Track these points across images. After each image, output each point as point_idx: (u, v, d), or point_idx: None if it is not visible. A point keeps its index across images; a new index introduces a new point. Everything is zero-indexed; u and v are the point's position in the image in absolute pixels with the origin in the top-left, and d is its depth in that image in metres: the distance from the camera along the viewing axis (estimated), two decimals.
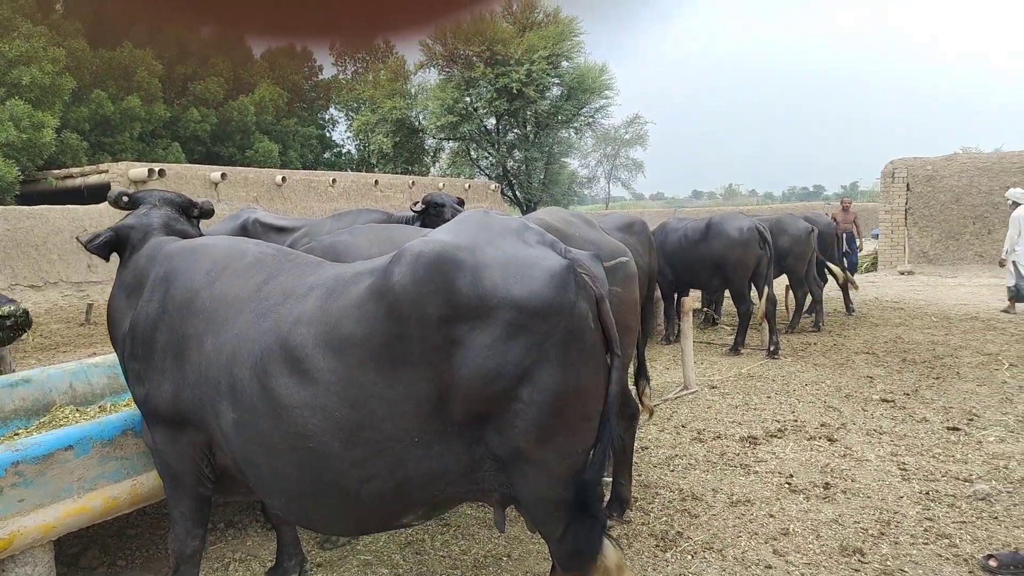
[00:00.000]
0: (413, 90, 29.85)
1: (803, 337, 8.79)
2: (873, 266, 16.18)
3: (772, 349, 7.59)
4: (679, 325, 9.02)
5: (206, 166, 17.34)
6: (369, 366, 2.26)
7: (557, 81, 27.52)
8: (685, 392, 6.34)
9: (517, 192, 29.24)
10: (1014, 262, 9.86)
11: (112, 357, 4.48)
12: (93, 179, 15.24)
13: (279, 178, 18.12)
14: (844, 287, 10.26)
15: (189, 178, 16.10)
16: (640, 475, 4.48)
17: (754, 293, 8.02)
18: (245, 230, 6.03)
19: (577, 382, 2.32)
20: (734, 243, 7.38)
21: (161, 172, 14.71)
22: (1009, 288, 10.02)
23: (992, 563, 3.25)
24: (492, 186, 26.30)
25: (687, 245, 7.87)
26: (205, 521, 2.85)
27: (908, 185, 15.00)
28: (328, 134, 34.00)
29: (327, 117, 33.72)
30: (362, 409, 2.24)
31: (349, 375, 2.24)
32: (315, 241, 4.08)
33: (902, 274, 15.05)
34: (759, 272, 7.53)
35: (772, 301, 7.60)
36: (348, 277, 2.47)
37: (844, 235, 12.06)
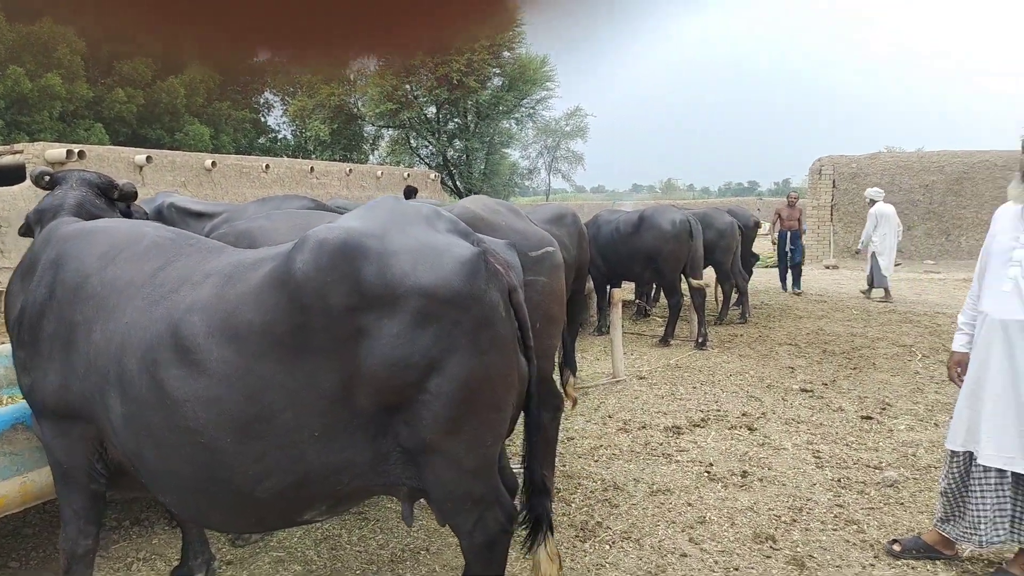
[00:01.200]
0: (352, 76, 29.27)
1: (731, 329, 8.98)
2: None
3: (700, 340, 7.73)
4: (611, 316, 9.16)
5: (130, 148, 16.55)
6: (268, 357, 2.17)
7: (498, 71, 27.40)
8: (614, 382, 6.40)
9: (457, 182, 29.03)
10: (873, 253, 11.35)
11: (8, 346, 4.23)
12: (7, 159, 14.39)
13: (209, 162, 17.47)
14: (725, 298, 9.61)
15: (112, 160, 15.36)
16: (564, 465, 4.48)
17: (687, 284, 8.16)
18: (160, 215, 5.76)
19: (487, 372, 2.28)
20: (666, 236, 7.46)
21: (81, 154, 13.94)
22: (868, 276, 11.58)
23: (896, 548, 3.36)
24: (432, 175, 25.98)
25: (619, 238, 7.93)
26: (98, 519, 2.70)
27: (834, 182, 15.51)
28: (263, 119, 33.11)
29: (262, 101, 32.84)
30: (259, 402, 2.14)
31: (245, 366, 2.14)
32: (228, 227, 3.91)
33: (827, 268, 15.58)
34: (690, 265, 7.64)
35: (701, 293, 7.73)
36: (248, 263, 2.37)
37: (788, 233, 12.01)
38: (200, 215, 5.68)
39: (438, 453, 2.30)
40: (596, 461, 4.57)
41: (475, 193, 30.35)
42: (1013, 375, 2.94)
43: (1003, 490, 2.99)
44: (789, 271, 12.39)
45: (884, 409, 5.60)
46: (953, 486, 3.19)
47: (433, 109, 28.42)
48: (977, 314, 3.14)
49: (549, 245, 3.64)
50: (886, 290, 11.23)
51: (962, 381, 3.20)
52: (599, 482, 4.20)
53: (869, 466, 4.45)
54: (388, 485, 2.44)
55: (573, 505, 3.90)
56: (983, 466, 3.02)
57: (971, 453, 3.08)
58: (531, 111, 30.16)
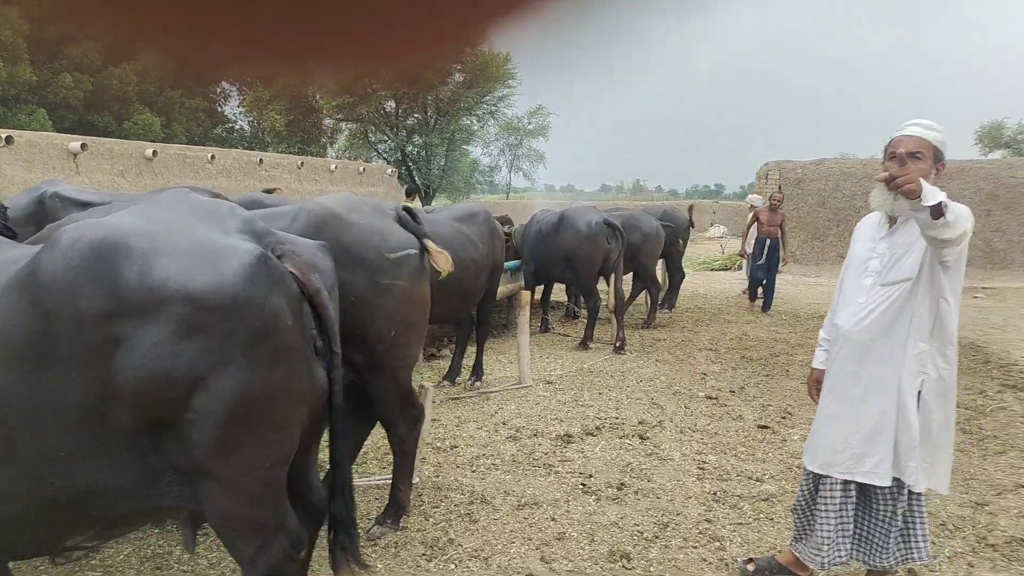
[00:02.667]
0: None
1: (656, 333, 8.90)
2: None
3: (618, 344, 7.62)
4: (544, 318, 9.03)
5: (64, 135, 16.06)
6: (5, 368, 1.96)
7: (459, 67, 27.16)
8: (518, 387, 6.25)
9: (416, 178, 28.75)
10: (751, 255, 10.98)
11: None
12: None
13: (149, 151, 16.98)
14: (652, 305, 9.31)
15: (44, 147, 14.83)
16: (438, 476, 4.32)
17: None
18: (42, 205, 5.47)
19: (265, 388, 2.10)
20: (582, 237, 7.33)
21: (9, 139, 13.48)
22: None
23: (750, 567, 3.25)
24: (388, 170, 25.70)
25: (542, 238, 7.79)
26: None
27: (780, 187, 15.56)
28: (219, 108, 32.44)
29: (218, 90, 32.16)
30: None
31: None
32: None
33: None
34: (608, 267, 7.52)
35: (620, 296, 7.62)
36: (8, 262, 2.15)
37: (768, 240, 10.13)
38: (86, 205, 5.40)
39: (210, 476, 2.12)
40: (473, 471, 4.41)
41: (435, 190, 30.15)
42: (861, 389, 2.84)
43: (847, 508, 2.90)
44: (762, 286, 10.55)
45: (784, 418, 5.53)
46: (803, 503, 3.10)
47: (392, 104, 28.13)
48: (834, 328, 3.04)
49: (411, 247, 3.45)
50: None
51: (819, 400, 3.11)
52: (467, 495, 4.04)
53: (751, 478, 4.35)
54: (164, 508, 2.25)
55: (431, 520, 3.73)
56: (828, 482, 2.93)
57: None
58: (492, 108, 30.05)
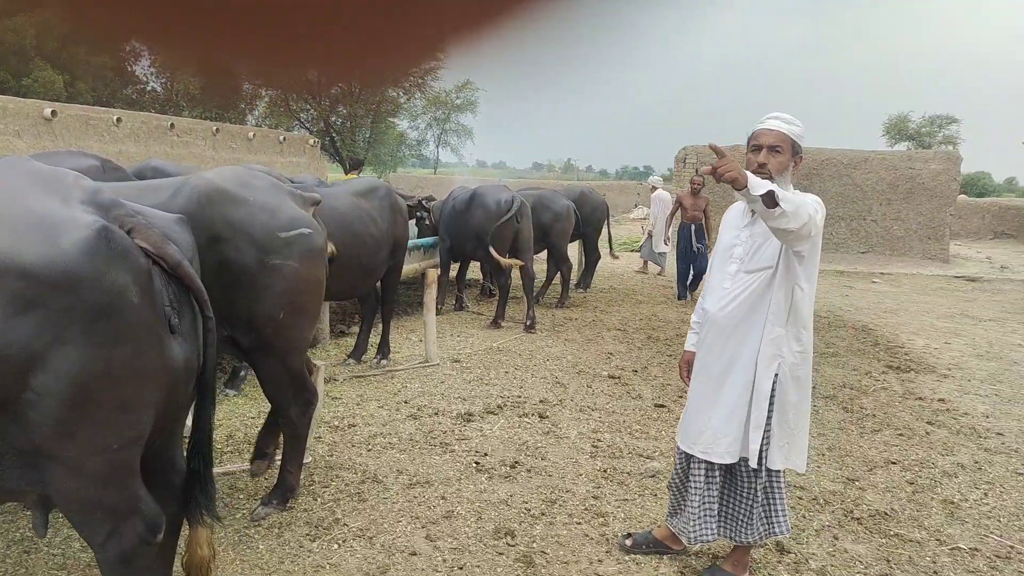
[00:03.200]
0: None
1: (568, 312, 9.02)
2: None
3: (528, 324, 7.69)
4: (456, 293, 9.01)
5: None
6: None
7: None
8: (424, 366, 6.23)
9: (340, 149, 28.08)
10: (649, 233, 12.74)
11: None
12: None
13: (48, 111, 15.90)
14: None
15: None
16: (332, 455, 4.27)
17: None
18: None
19: (106, 368, 2.00)
20: (491, 215, 7.33)
21: None
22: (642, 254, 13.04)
23: (628, 542, 3.35)
24: (311, 140, 24.94)
25: (455, 215, 7.75)
26: None
27: (697, 170, 15.93)
28: (129, 67, 30.71)
29: (128, 49, 30.41)
30: None
31: None
32: None
33: None
34: (517, 246, 7.56)
35: (530, 276, 7.67)
36: None
37: (692, 226, 9.88)
38: None
39: (54, 458, 2.03)
40: (369, 451, 4.38)
41: (361, 162, 29.54)
42: (721, 371, 2.95)
43: (712, 487, 3.01)
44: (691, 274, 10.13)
45: (681, 397, 5.69)
46: (678, 480, 3.20)
47: (315, 71, 27.28)
48: (703, 312, 3.13)
49: (305, 227, 3.34)
50: (661, 267, 12.92)
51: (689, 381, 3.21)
52: (359, 474, 4.01)
53: (642, 456, 4.48)
54: (7, 491, 2.14)
55: (319, 500, 3.69)
56: (695, 461, 3.04)
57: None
58: (419, 81, 29.49)
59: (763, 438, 2.85)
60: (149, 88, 30.96)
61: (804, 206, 2.50)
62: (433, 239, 8.37)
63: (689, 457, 3.08)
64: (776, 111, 2.91)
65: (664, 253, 12.75)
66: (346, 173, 18.13)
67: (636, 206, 29.03)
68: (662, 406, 5.44)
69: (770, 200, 2.41)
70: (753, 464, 2.86)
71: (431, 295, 6.34)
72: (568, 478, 4.10)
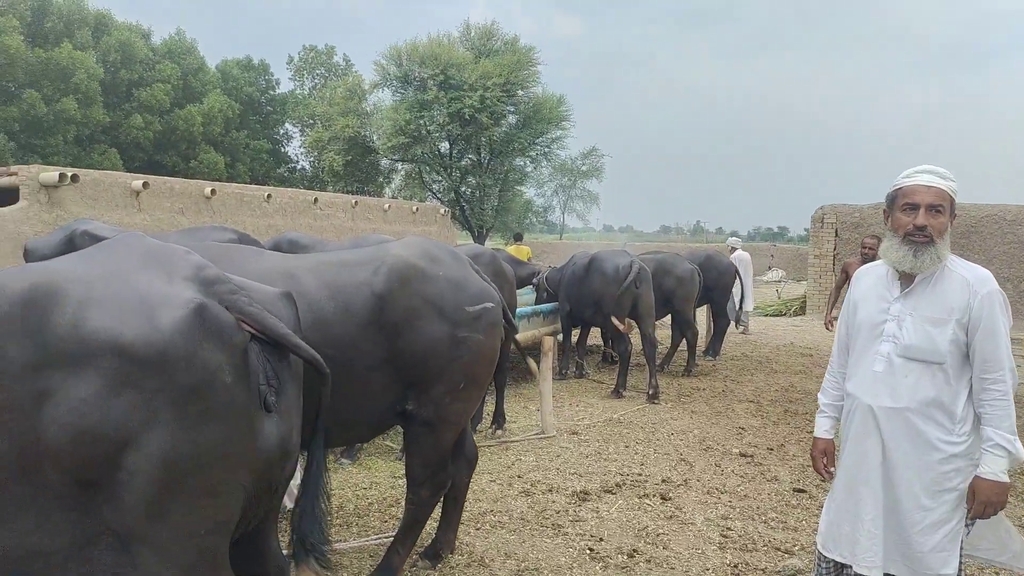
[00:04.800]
0: (368, 109, 29.56)
1: (696, 381, 8.51)
2: (801, 310, 16.11)
3: (651, 392, 7.29)
4: (577, 360, 8.75)
5: (127, 174, 16.71)
6: None
7: (512, 109, 27.42)
8: (540, 437, 5.99)
9: (469, 217, 28.96)
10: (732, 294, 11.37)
11: None
12: (3, 181, 14.57)
13: (208, 190, 17.50)
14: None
15: (107, 185, 15.45)
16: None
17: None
18: (72, 242, 5.59)
19: (196, 450, 1.94)
20: (609, 280, 7.09)
21: (74, 177, 14.02)
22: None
23: None
24: (442, 210, 25.94)
25: (574, 280, 7.58)
26: None
27: (836, 231, 14.99)
28: (283, 149, 33.54)
29: (282, 132, 33.31)
30: None
31: None
32: None
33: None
34: (638, 312, 7.24)
35: (652, 343, 7.32)
36: None
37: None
38: None
39: (143, 541, 1.98)
40: (477, 529, 4.17)
41: (488, 229, 30.32)
42: (887, 473, 2.52)
43: None
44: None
45: (824, 481, 5.09)
46: None
47: (446, 144, 28.52)
48: (843, 396, 2.73)
49: (489, 300, 3.32)
50: (744, 326, 12.60)
51: (829, 473, 2.79)
52: (465, 555, 3.80)
53: (779, 550, 3.98)
54: (100, 574, 2.11)
55: None
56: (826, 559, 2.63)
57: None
58: (546, 149, 30.11)
59: None
60: (299, 167, 33.60)
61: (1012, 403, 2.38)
62: (553, 305, 8.23)
63: (842, 568, 2.65)
64: (925, 164, 2.55)
65: (747, 312, 12.39)
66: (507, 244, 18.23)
67: (770, 268, 27.74)
68: (802, 491, 4.88)
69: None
70: None
71: (546, 363, 6.14)
72: (692, 572, 3.68)
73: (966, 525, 2.46)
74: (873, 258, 8.36)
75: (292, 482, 4.15)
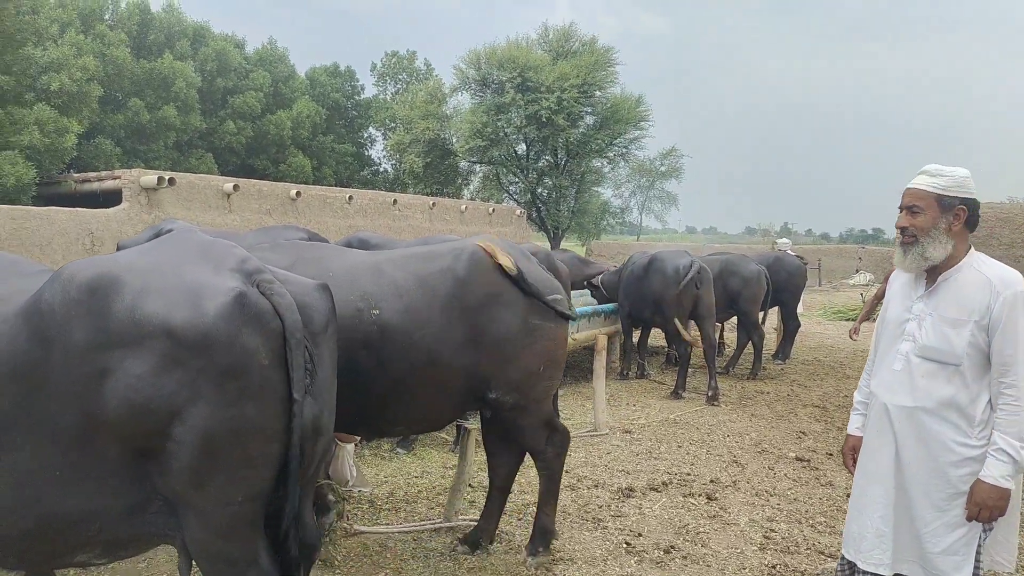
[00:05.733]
0: (448, 112, 30.14)
1: (760, 385, 8.34)
2: None
3: (710, 394, 7.22)
4: (638, 360, 8.73)
5: (220, 177, 17.73)
6: (5, 391, 2.14)
7: (589, 110, 27.38)
8: (592, 435, 6.05)
9: (545, 219, 29.10)
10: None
11: None
12: (108, 184, 15.73)
13: (293, 192, 18.36)
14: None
15: (201, 188, 16.44)
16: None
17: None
18: None
19: (233, 424, 2.15)
20: (668, 281, 7.06)
21: (171, 181, 15.04)
22: None
23: None
24: (517, 211, 26.22)
25: (633, 280, 7.59)
26: None
27: None
28: (367, 152, 34.56)
29: (366, 136, 34.33)
30: None
31: None
32: None
33: None
34: (699, 313, 7.18)
35: (711, 344, 7.24)
36: (8, 294, 2.35)
37: None
38: None
39: (187, 506, 2.21)
40: (519, 519, 4.29)
41: (563, 230, 30.37)
42: (898, 472, 2.50)
43: None
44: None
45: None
46: None
47: (523, 146, 28.76)
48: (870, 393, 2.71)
49: (557, 292, 3.53)
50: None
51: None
52: (504, 543, 3.93)
53: (823, 553, 3.93)
54: (158, 535, 2.35)
55: (463, 567, 3.64)
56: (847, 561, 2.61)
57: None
58: (624, 150, 29.92)
59: None
60: (382, 169, 34.55)
61: None
62: (614, 305, 8.25)
63: (854, 568, 2.64)
64: (935, 164, 2.53)
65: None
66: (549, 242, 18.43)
67: (857, 271, 26.63)
68: None
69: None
70: None
71: (600, 362, 6.20)
72: (728, 571, 3.69)
73: (985, 530, 2.40)
74: None
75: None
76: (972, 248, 2.50)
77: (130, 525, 2.27)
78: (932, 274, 2.52)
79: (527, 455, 3.94)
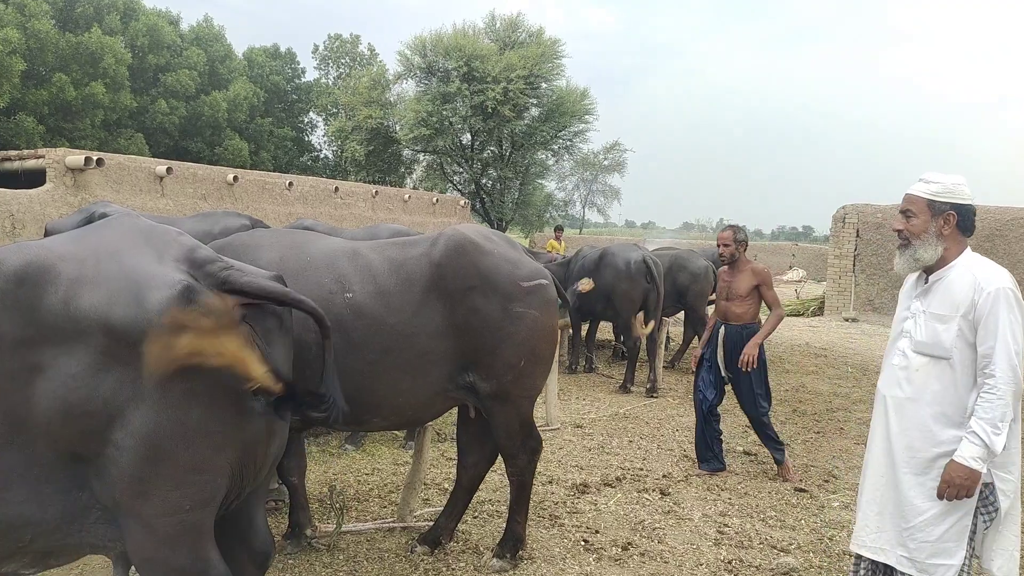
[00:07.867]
0: (392, 99, 29.65)
1: None
2: (820, 310, 15.94)
3: (650, 387, 7.29)
4: (587, 354, 8.75)
5: (152, 159, 16.96)
6: None
7: (535, 102, 27.35)
8: (544, 429, 6.00)
9: (489, 210, 28.99)
10: None
11: None
12: (30, 164, 14.84)
13: (231, 177, 17.66)
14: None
15: (132, 170, 15.66)
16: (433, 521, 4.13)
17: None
18: (91, 224, 5.72)
19: (180, 428, 1.99)
20: (620, 275, 7.08)
21: (100, 161, 14.24)
22: None
23: None
24: (462, 202, 25.98)
25: (583, 274, 7.57)
26: None
27: (858, 231, 14.81)
28: (307, 138, 33.77)
29: (306, 121, 33.53)
30: None
31: None
32: None
33: (846, 320, 14.82)
34: (647, 307, 7.23)
35: (653, 339, 7.30)
36: None
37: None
38: None
39: (130, 516, 2.04)
40: (475, 518, 4.21)
41: (507, 222, 30.31)
42: (890, 460, 2.59)
43: None
44: None
45: (826, 482, 5.08)
46: None
47: (468, 137, 28.55)
48: None
49: (542, 278, 3.43)
50: None
51: None
52: (460, 543, 3.84)
53: (775, 547, 3.98)
54: (94, 546, 2.17)
55: (419, 570, 3.54)
56: (857, 557, 2.71)
57: None
58: (568, 143, 30.03)
59: None
60: (322, 155, 33.80)
61: (1006, 401, 2.38)
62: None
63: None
64: (935, 171, 2.64)
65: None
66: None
67: (791, 267, 27.48)
68: (803, 491, 4.86)
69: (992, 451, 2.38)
70: None
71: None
72: (686, 567, 3.69)
73: (984, 521, 2.49)
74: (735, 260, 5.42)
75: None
76: (968, 250, 2.60)
77: (66, 535, 2.10)
78: (927, 274, 2.64)
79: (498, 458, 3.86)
